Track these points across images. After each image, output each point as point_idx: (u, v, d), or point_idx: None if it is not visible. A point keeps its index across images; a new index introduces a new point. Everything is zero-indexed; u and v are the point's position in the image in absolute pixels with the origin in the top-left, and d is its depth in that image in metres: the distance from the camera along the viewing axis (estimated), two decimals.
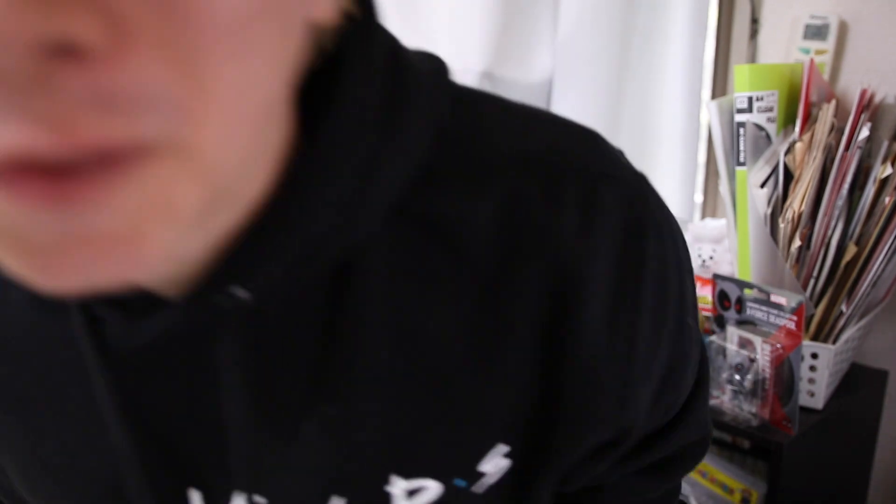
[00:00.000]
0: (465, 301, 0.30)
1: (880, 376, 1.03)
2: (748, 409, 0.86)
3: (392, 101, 0.29)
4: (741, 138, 0.91)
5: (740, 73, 0.91)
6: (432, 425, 0.32)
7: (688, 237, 1.06)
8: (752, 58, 1.16)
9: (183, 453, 0.33)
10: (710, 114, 0.93)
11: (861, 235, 0.88)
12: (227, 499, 0.33)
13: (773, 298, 0.85)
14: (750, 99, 0.91)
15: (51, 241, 0.19)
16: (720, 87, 1.23)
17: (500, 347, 0.31)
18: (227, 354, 0.30)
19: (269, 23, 0.20)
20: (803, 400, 0.91)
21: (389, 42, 0.30)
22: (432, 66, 0.32)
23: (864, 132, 0.86)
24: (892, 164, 0.86)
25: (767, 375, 0.84)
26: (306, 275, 0.29)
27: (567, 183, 0.31)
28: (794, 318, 0.83)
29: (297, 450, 0.32)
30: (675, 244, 0.33)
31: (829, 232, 0.88)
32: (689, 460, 0.41)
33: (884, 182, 0.87)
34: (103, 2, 0.17)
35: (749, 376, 0.86)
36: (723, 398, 0.89)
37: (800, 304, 0.82)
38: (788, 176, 0.90)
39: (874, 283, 0.88)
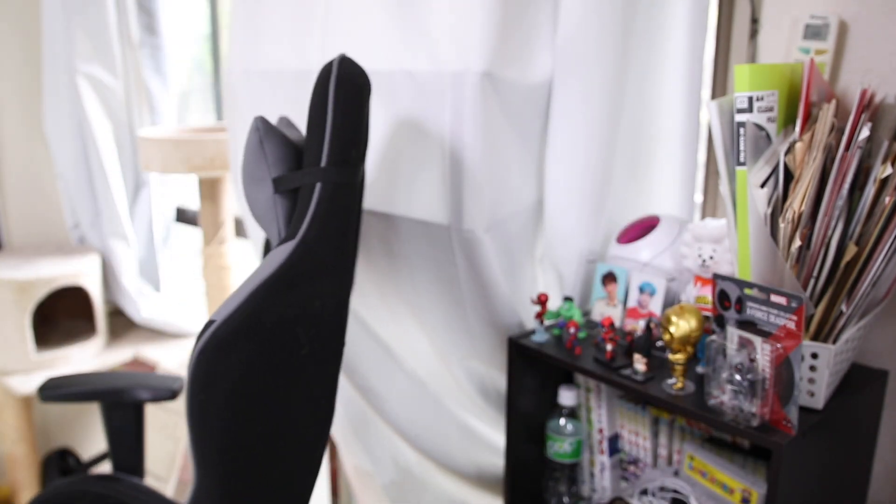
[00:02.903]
0: None
1: (880, 376, 1.03)
2: (748, 409, 0.86)
3: None
4: (741, 138, 0.91)
5: (740, 73, 0.91)
6: None
7: (688, 237, 1.06)
8: (752, 58, 1.16)
9: None
10: (710, 114, 0.93)
11: (861, 235, 0.88)
12: None
13: (773, 298, 0.85)
14: (750, 99, 0.91)
15: None
16: (720, 87, 1.23)
17: None
18: None
19: None
20: (803, 400, 0.91)
21: None
22: None
23: (865, 132, 0.86)
24: (892, 164, 0.86)
25: (767, 375, 0.84)
26: None
27: None
28: (794, 318, 0.83)
29: None
30: None
31: (829, 232, 0.88)
32: None
33: (884, 182, 0.87)
34: None
35: (749, 376, 0.86)
36: (723, 398, 0.89)
37: (800, 304, 0.82)
38: (788, 176, 0.90)
39: (874, 283, 0.88)
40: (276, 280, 0.92)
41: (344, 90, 0.97)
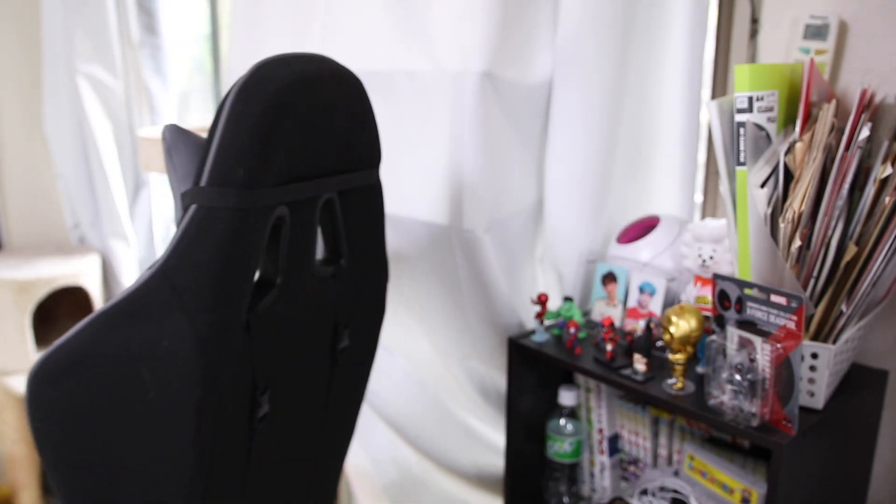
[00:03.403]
0: None
1: (880, 376, 1.03)
2: (748, 409, 0.86)
3: None
4: (741, 138, 0.91)
5: (740, 73, 0.91)
6: None
7: (688, 237, 1.06)
8: (752, 58, 1.16)
9: None
10: (710, 114, 0.93)
11: (861, 235, 0.88)
12: None
13: (773, 298, 0.85)
14: (750, 99, 0.91)
15: None
16: (720, 87, 1.24)
17: None
18: None
19: None
20: (803, 400, 0.91)
21: None
22: None
23: (864, 132, 0.86)
24: (892, 164, 0.86)
25: (767, 375, 0.84)
26: None
27: None
28: (794, 318, 0.83)
29: None
30: None
31: (829, 232, 0.88)
32: None
33: (884, 182, 0.87)
34: None
35: (749, 376, 0.86)
36: (723, 398, 0.89)
37: (800, 304, 0.82)
38: (788, 176, 0.90)
39: (874, 283, 0.88)
40: (118, 311, 0.79)
41: (243, 100, 0.80)
